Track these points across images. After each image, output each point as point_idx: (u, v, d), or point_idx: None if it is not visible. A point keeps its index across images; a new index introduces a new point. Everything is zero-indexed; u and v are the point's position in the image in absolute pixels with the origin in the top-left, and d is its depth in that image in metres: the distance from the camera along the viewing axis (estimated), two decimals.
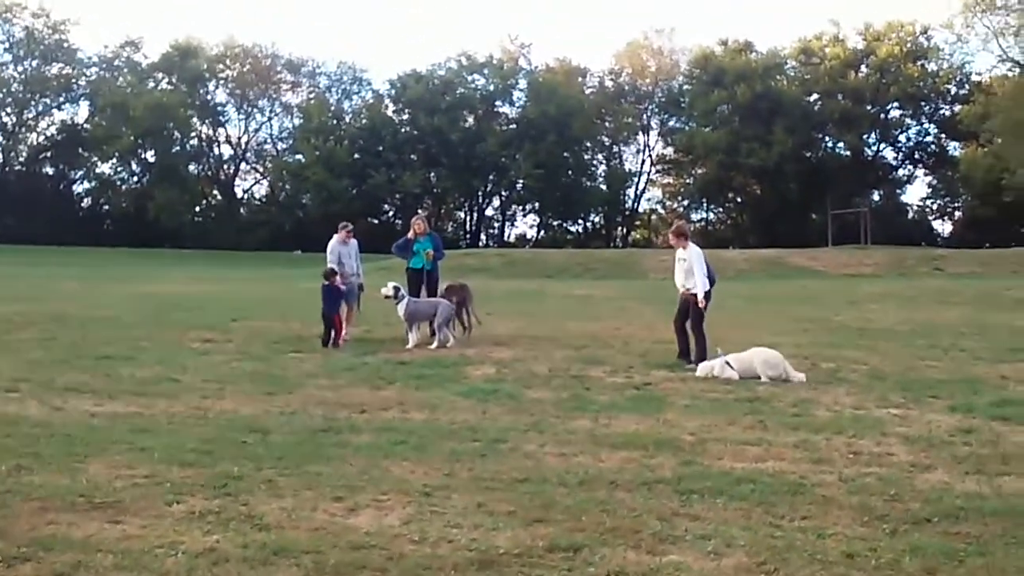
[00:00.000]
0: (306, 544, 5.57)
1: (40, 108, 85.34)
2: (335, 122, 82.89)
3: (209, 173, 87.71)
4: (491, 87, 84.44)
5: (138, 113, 75.71)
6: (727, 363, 12.39)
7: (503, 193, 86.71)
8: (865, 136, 79.55)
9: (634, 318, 21.49)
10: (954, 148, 78.27)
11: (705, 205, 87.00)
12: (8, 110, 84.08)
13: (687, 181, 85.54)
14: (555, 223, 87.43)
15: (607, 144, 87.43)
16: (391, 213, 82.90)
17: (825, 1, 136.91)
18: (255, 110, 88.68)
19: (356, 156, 79.91)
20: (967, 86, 76.24)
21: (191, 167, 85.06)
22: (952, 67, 77.04)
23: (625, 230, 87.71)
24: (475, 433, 8.74)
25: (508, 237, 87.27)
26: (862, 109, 77.33)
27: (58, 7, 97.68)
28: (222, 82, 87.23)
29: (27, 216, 76.87)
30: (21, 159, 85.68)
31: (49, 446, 7.91)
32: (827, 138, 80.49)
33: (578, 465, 7.61)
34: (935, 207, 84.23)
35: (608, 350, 15.11)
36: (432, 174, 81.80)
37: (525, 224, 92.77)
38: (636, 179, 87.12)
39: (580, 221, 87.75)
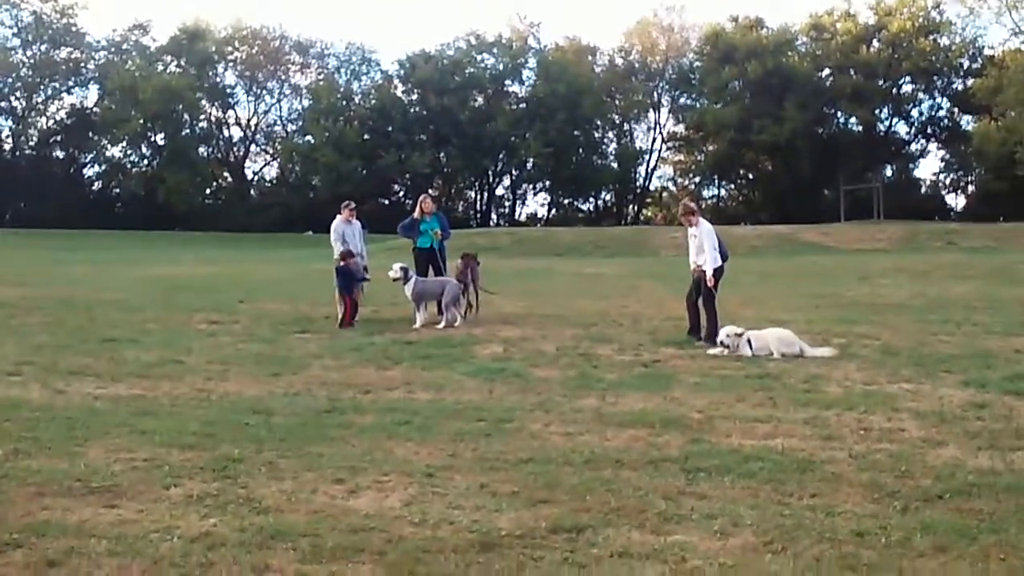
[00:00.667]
0: (304, 527, 5.48)
1: (49, 92, 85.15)
2: (344, 103, 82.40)
3: (219, 155, 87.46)
4: (500, 66, 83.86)
5: (147, 96, 75.43)
6: (748, 340, 12.26)
7: (513, 172, 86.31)
8: (877, 111, 78.76)
9: (644, 296, 21.34)
10: (967, 122, 77.45)
11: (717, 182, 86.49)
12: (18, 94, 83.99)
13: (698, 158, 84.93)
14: (566, 201, 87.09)
15: (617, 122, 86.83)
16: (401, 194, 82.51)
17: None
18: (264, 92, 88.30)
19: (366, 137, 79.57)
20: (980, 60, 75.35)
21: (201, 150, 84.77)
22: (964, 41, 76.16)
23: (636, 208, 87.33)
24: (480, 413, 8.64)
25: (519, 216, 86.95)
26: (874, 84, 76.58)
27: None
28: (231, 64, 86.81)
29: (38, 200, 76.97)
30: (31, 143, 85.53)
31: (49, 430, 7.84)
32: (839, 113, 79.68)
33: (584, 444, 7.51)
34: (948, 181, 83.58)
35: (617, 328, 14.98)
36: (442, 154, 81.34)
37: (536, 203, 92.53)
38: (647, 157, 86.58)
39: (591, 199, 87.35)
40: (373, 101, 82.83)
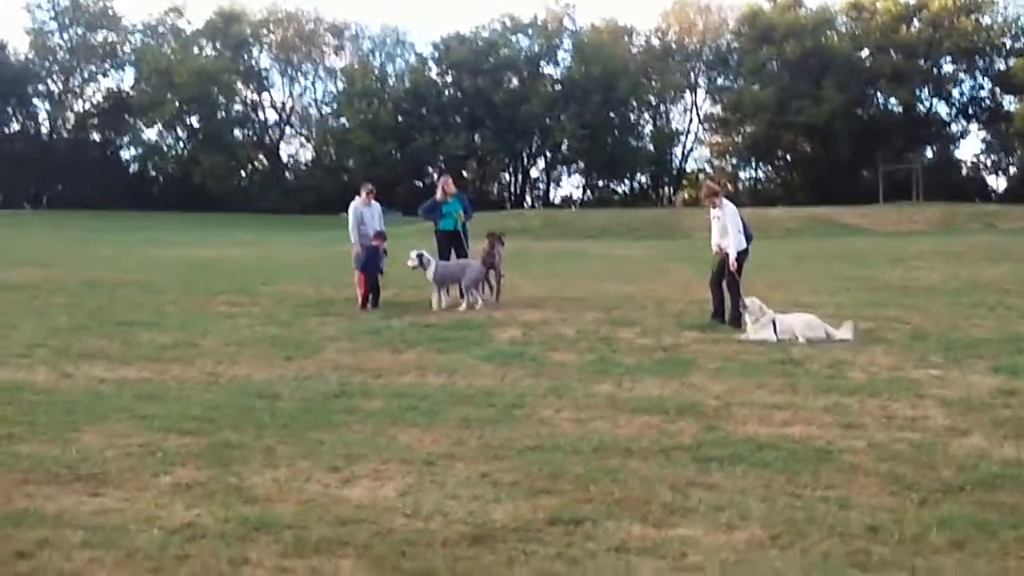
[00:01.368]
0: (291, 518, 5.28)
1: (86, 75, 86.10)
2: (379, 85, 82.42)
3: (254, 138, 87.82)
4: (535, 48, 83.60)
5: (183, 79, 75.90)
6: (772, 322, 11.95)
7: (548, 154, 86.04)
8: (917, 91, 77.70)
9: (672, 278, 20.98)
10: (1009, 102, 76.28)
11: (754, 163, 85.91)
12: (55, 77, 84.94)
13: (735, 139, 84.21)
14: (601, 184, 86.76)
15: (654, 103, 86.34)
16: (435, 176, 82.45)
17: None
18: (299, 75, 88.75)
19: (400, 119, 79.51)
20: (1022, 39, 74.30)
21: (236, 132, 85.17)
22: (1007, 20, 75.10)
23: (672, 189, 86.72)
24: (491, 398, 8.42)
25: (553, 199, 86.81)
26: (914, 64, 75.57)
27: None
28: (266, 47, 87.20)
29: (75, 182, 77.82)
30: (68, 126, 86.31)
31: (47, 414, 7.70)
32: (879, 94, 78.70)
33: (593, 431, 7.27)
34: (989, 163, 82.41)
35: (641, 311, 14.67)
36: (476, 136, 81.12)
37: (571, 185, 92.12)
38: (683, 138, 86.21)
39: (626, 181, 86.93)
40: (407, 83, 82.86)
